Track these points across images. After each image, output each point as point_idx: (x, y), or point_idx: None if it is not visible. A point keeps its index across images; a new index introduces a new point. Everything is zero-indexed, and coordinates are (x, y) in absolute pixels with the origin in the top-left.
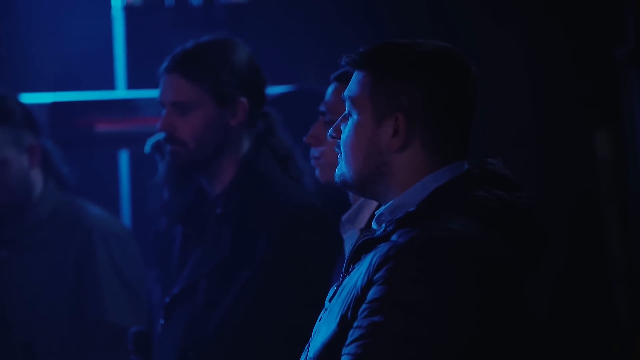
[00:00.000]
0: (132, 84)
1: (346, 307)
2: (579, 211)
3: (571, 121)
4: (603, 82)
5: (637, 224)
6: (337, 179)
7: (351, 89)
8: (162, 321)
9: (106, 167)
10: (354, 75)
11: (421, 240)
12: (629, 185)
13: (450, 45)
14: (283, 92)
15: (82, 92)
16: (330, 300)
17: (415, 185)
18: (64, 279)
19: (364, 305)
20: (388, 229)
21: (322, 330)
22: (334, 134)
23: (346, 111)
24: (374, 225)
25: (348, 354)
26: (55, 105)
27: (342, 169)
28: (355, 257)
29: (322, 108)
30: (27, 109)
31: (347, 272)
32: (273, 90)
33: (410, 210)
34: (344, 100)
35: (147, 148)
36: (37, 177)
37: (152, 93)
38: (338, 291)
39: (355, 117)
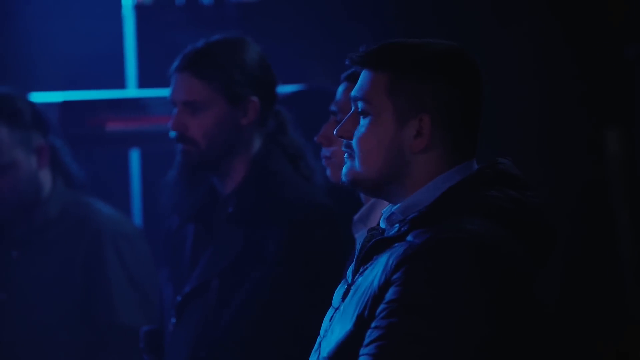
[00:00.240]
0: (142, 83)
1: (362, 306)
2: (590, 209)
3: (582, 119)
4: (614, 81)
5: None
6: (344, 178)
7: (365, 88)
8: (173, 320)
9: (117, 166)
10: (365, 75)
11: (438, 240)
12: None
13: (459, 44)
14: (293, 92)
15: (92, 91)
16: (343, 300)
17: (427, 185)
18: (73, 280)
19: (382, 306)
20: (402, 229)
21: (336, 329)
22: (342, 134)
23: (359, 110)
24: (382, 224)
25: (367, 354)
26: (66, 104)
27: (353, 169)
28: (367, 257)
29: (332, 108)
30: (35, 108)
31: (359, 272)
32: (283, 89)
33: (423, 210)
34: (354, 100)
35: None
36: (45, 177)
37: (163, 92)
38: (351, 291)
39: (373, 117)
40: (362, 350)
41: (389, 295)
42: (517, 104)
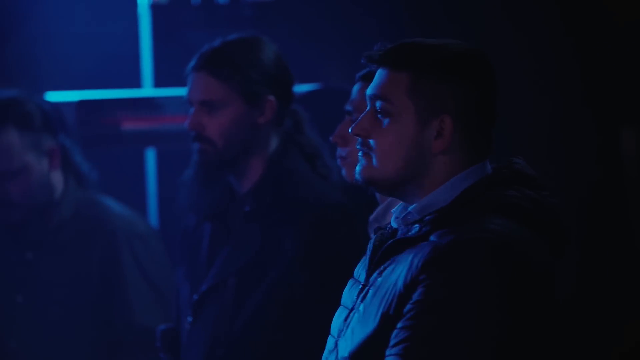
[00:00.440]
0: (158, 82)
1: (387, 305)
2: (605, 209)
3: (597, 119)
4: (629, 80)
5: None
6: (358, 176)
7: (384, 87)
8: (190, 319)
9: (133, 166)
10: (383, 74)
11: (464, 241)
12: None
13: (474, 45)
14: (309, 91)
15: (108, 90)
16: (361, 300)
17: (444, 185)
18: (89, 280)
19: (408, 306)
20: (424, 229)
21: (357, 329)
22: (359, 132)
23: (376, 108)
24: (393, 224)
25: (394, 354)
26: (82, 103)
27: (369, 167)
28: (384, 257)
29: (348, 107)
30: (45, 110)
31: (377, 272)
32: (298, 88)
33: (443, 210)
34: (371, 98)
35: None
36: (57, 179)
37: (179, 91)
38: (370, 291)
39: (393, 117)
40: (389, 351)
41: (417, 295)
42: (531, 103)
